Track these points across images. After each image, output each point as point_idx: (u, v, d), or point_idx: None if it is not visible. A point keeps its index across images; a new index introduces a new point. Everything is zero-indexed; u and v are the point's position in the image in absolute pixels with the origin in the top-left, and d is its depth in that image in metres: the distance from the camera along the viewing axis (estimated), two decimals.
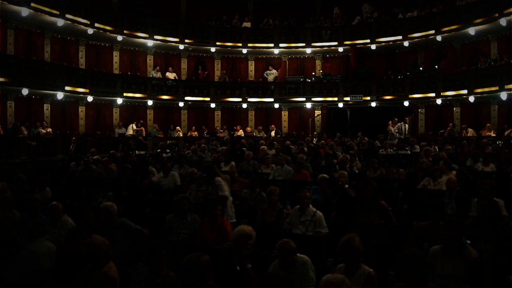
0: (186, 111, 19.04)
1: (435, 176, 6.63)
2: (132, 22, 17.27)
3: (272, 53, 19.43)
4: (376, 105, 17.40)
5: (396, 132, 14.98)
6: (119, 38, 17.07)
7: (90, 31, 15.92)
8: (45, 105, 15.34)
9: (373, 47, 17.77)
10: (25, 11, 13.32)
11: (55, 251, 3.82)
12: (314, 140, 14.43)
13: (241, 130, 17.74)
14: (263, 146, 10.91)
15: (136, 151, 14.38)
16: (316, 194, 5.95)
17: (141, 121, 17.44)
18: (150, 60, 18.94)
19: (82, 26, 15.57)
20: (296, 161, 8.00)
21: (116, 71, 17.92)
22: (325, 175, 6.26)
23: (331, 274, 2.78)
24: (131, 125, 16.74)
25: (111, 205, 4.44)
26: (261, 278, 2.80)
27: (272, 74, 19.18)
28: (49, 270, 3.64)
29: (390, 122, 15.63)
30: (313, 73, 19.08)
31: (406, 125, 15.22)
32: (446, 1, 16.84)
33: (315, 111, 18.73)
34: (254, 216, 5.17)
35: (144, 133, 16.86)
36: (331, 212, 5.34)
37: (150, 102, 18.15)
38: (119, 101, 17.12)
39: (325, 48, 18.74)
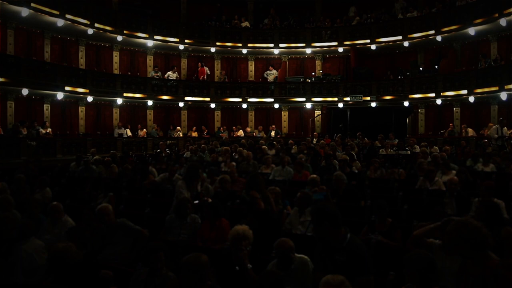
0: (186, 111, 19.04)
1: (431, 177, 6.61)
2: (132, 22, 17.27)
3: (272, 53, 19.43)
4: (376, 105, 17.40)
5: (497, 136, 12.86)
6: (119, 38, 17.07)
7: (90, 31, 15.92)
8: (45, 105, 15.35)
9: (373, 47, 17.77)
10: (25, 11, 13.33)
11: (45, 247, 3.84)
12: (314, 141, 14.43)
13: (241, 130, 17.74)
14: (264, 146, 10.91)
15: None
16: (316, 194, 5.93)
17: (139, 126, 17.45)
18: (150, 60, 18.94)
19: (82, 26, 15.57)
20: (296, 161, 7.99)
21: (116, 71, 17.92)
22: (315, 176, 6.22)
23: (330, 275, 2.78)
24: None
25: (105, 206, 4.45)
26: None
27: (272, 74, 19.17)
28: (44, 267, 3.64)
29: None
30: (313, 73, 19.07)
31: (505, 128, 12.86)
32: (446, 1, 16.83)
33: (315, 111, 18.73)
34: None
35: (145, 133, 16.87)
36: None
37: (150, 102, 18.16)
38: (119, 101, 17.12)
39: (325, 48, 18.74)
